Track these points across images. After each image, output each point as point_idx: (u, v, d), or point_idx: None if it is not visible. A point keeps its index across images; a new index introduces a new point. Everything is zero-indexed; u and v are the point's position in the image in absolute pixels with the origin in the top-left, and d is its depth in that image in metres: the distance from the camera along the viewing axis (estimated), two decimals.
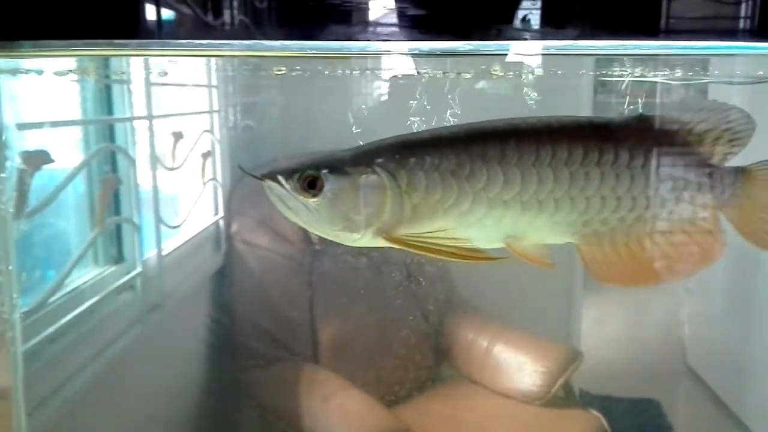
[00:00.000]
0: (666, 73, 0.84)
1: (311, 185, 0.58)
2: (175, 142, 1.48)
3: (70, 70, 0.93)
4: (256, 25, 0.61)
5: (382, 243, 0.60)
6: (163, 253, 1.46)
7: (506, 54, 0.66)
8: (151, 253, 1.43)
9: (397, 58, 0.76)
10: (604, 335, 1.82)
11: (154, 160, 1.41)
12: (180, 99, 1.59)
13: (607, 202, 0.61)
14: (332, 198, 0.58)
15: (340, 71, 0.84)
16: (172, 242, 1.54)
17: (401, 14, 0.62)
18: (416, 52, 0.68)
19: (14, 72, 0.84)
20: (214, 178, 1.67)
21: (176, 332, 1.52)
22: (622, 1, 0.64)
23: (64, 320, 1.11)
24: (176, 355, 1.52)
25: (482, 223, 0.60)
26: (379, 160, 0.59)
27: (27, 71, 0.86)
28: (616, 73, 0.84)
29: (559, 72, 0.80)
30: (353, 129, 0.80)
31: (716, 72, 0.91)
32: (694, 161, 0.62)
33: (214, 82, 1.65)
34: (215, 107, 1.67)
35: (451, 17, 0.63)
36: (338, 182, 0.58)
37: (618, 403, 1.70)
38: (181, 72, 1.24)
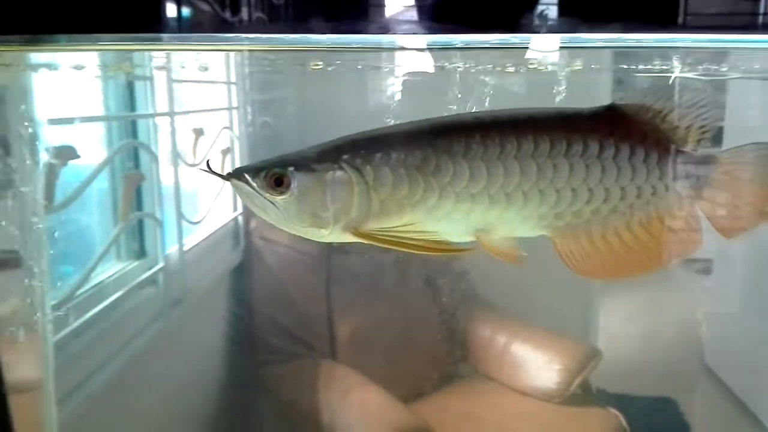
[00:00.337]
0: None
1: (278, 183, 0.58)
2: (196, 139, 1.49)
3: (104, 66, 0.94)
4: (297, 18, 0.61)
5: (351, 238, 0.60)
6: (185, 248, 1.47)
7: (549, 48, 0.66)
8: (172, 249, 1.44)
9: (421, 53, 0.76)
10: (622, 333, 1.82)
11: (176, 156, 1.42)
12: (201, 96, 1.60)
13: (578, 194, 0.60)
14: (299, 195, 0.58)
15: (373, 65, 0.85)
16: (192, 238, 1.55)
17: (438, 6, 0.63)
18: (457, 45, 0.68)
19: (50, 67, 0.85)
20: None
21: (197, 327, 1.53)
22: None
23: (89, 314, 1.12)
24: (197, 350, 1.53)
25: (450, 217, 0.60)
26: (345, 157, 0.59)
27: (56, 66, 0.87)
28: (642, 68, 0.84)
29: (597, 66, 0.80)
30: (384, 119, 0.80)
31: (742, 67, 0.91)
32: (667, 149, 0.61)
33: (235, 79, 1.65)
34: (234, 104, 1.68)
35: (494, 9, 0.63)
36: (305, 179, 0.58)
37: (635, 402, 1.69)
38: (215, 68, 1.25)
